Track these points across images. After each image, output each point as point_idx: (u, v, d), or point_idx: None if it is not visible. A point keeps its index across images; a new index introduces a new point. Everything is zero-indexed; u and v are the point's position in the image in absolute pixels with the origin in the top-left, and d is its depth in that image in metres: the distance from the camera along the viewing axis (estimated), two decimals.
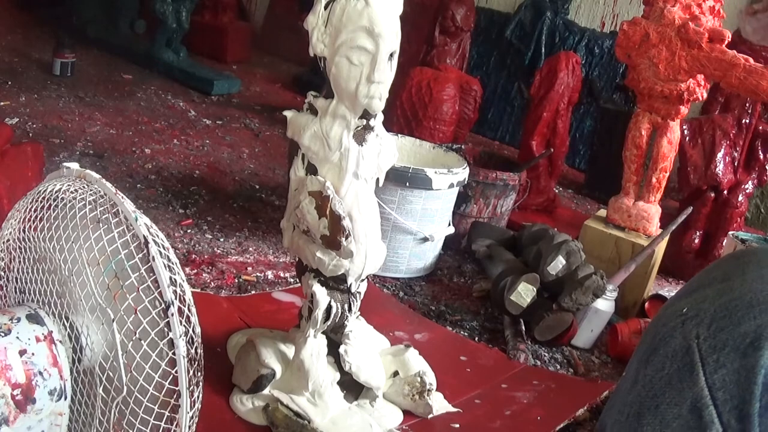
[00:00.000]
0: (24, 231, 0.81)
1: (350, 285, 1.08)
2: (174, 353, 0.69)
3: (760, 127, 2.09)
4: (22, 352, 0.71)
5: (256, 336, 1.19)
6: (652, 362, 0.44)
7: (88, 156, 2.08)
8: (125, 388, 0.70)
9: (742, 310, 0.41)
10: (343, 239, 1.02)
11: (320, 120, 1.02)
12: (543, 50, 3.22)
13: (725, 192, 2.08)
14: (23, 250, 0.82)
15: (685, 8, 1.64)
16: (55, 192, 0.79)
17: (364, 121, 1.02)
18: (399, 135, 1.98)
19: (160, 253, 0.70)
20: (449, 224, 1.81)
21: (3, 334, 0.71)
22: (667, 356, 0.43)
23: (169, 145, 2.33)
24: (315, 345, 1.09)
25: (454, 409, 1.21)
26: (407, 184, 1.65)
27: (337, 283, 1.08)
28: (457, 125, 2.42)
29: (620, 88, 2.92)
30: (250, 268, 1.61)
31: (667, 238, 1.80)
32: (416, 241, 1.72)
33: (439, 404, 1.20)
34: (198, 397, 0.72)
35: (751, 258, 0.45)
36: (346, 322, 1.11)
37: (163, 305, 0.69)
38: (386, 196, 1.65)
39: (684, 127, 2.01)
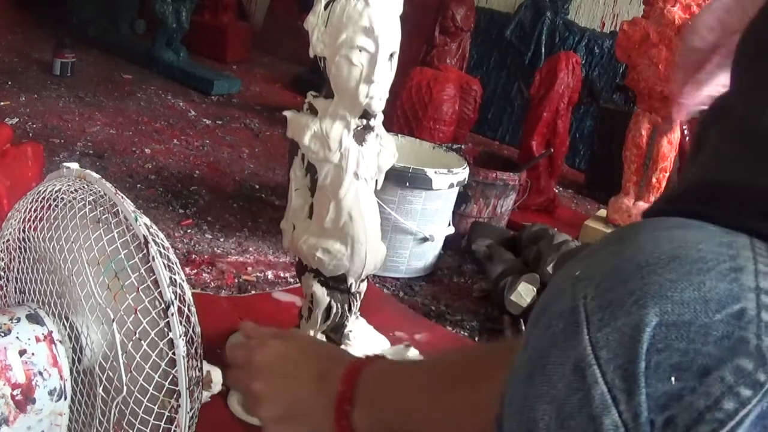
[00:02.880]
0: (24, 231, 0.81)
1: (350, 285, 1.08)
2: (174, 353, 0.69)
3: None
4: (22, 352, 0.71)
5: None
6: (540, 323, 0.43)
7: (88, 156, 2.08)
8: (125, 388, 0.70)
9: (631, 270, 0.40)
10: None
11: (320, 120, 1.02)
12: (543, 50, 3.22)
13: None
14: (23, 250, 0.82)
15: (685, 8, 1.64)
16: (55, 192, 0.79)
17: (364, 121, 1.02)
18: (399, 135, 1.98)
19: (160, 253, 0.70)
20: (449, 224, 1.81)
21: (3, 334, 0.71)
22: (553, 316, 0.42)
23: (169, 145, 2.33)
24: None
25: None
26: (407, 184, 1.65)
27: (337, 283, 1.08)
28: (457, 125, 2.42)
29: (620, 88, 2.92)
30: (250, 268, 1.61)
31: None
32: (416, 241, 1.72)
33: None
34: (198, 397, 0.72)
35: (646, 223, 0.44)
36: (346, 322, 1.11)
37: (163, 305, 0.69)
38: (386, 196, 1.65)
39: (684, 127, 2.01)
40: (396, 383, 0.70)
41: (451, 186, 1.71)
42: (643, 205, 1.77)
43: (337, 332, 1.13)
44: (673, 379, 0.37)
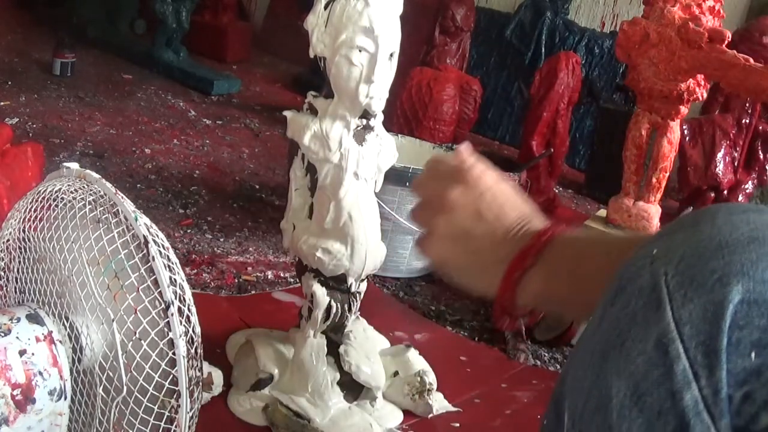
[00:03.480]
0: (24, 231, 0.81)
1: (350, 285, 1.08)
2: (174, 353, 0.69)
3: (760, 127, 2.09)
4: (21, 352, 0.71)
5: (255, 337, 1.19)
6: (618, 301, 0.43)
7: (88, 156, 2.08)
8: (125, 388, 0.70)
9: (711, 250, 0.41)
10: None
11: (320, 120, 1.02)
12: (543, 50, 3.22)
13: (725, 192, 2.08)
14: (23, 250, 0.82)
15: (685, 8, 1.64)
16: (55, 192, 0.79)
17: (364, 121, 1.02)
18: (399, 135, 1.98)
19: (160, 253, 0.71)
20: None
21: (3, 334, 0.71)
22: (633, 293, 0.42)
23: (169, 145, 2.33)
24: (315, 345, 1.09)
25: (454, 409, 1.21)
26: (407, 184, 1.65)
27: (337, 283, 1.08)
28: (457, 125, 2.42)
29: (620, 88, 2.92)
30: (250, 268, 1.61)
31: None
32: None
33: (439, 404, 1.20)
34: (198, 397, 0.72)
35: (720, 208, 0.45)
36: (346, 322, 1.11)
37: (163, 305, 0.69)
38: (386, 196, 1.64)
39: (684, 127, 2.01)
40: (582, 258, 0.66)
41: None
42: (643, 205, 1.76)
43: (337, 332, 1.13)
44: (753, 355, 0.38)
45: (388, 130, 1.10)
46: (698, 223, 0.44)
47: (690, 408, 0.38)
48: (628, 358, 0.41)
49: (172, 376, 0.69)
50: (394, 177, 1.61)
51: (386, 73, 0.98)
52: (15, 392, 0.69)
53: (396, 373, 1.21)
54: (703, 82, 1.68)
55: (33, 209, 0.80)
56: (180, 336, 0.69)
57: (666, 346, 0.39)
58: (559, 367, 1.48)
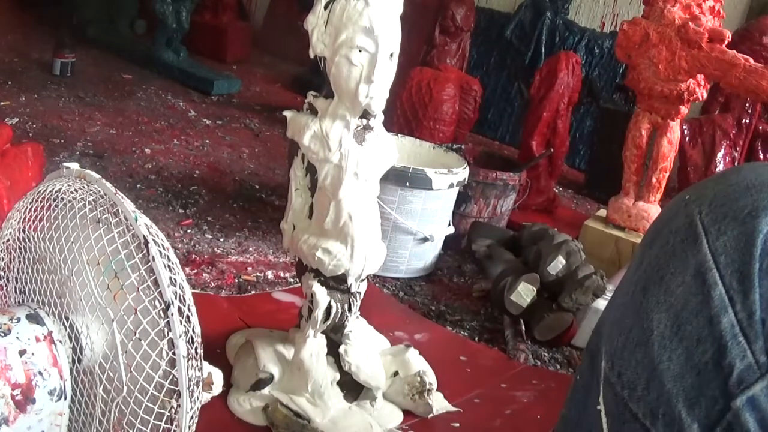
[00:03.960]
0: (24, 231, 0.81)
1: (350, 285, 1.08)
2: (174, 353, 0.69)
3: (760, 127, 2.09)
4: (21, 352, 0.71)
5: (255, 337, 1.19)
6: (657, 241, 0.47)
7: (88, 156, 2.08)
8: (125, 388, 0.70)
9: (740, 191, 0.44)
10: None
11: (320, 120, 1.02)
12: (543, 50, 3.22)
13: None
14: (23, 250, 0.82)
15: (685, 8, 1.64)
16: (55, 192, 0.79)
17: (364, 121, 1.02)
18: (399, 135, 1.98)
19: (160, 253, 0.71)
20: (449, 224, 1.81)
21: (3, 334, 0.71)
22: (671, 232, 0.46)
23: (169, 145, 2.33)
24: (315, 345, 1.09)
25: (454, 409, 1.21)
26: (407, 184, 1.65)
27: (337, 283, 1.08)
28: (457, 125, 2.42)
29: (620, 88, 2.92)
30: (250, 268, 1.61)
31: None
32: (416, 241, 1.72)
33: (439, 404, 1.20)
34: (198, 397, 0.72)
35: (744, 164, 0.50)
36: (346, 322, 1.11)
37: (163, 305, 0.69)
38: (386, 196, 1.65)
39: (684, 127, 2.01)
40: None
41: (451, 186, 1.71)
42: (643, 205, 1.76)
43: (337, 332, 1.13)
44: None
45: (388, 130, 1.10)
46: (725, 174, 0.48)
47: (727, 331, 0.41)
48: (668, 291, 0.44)
49: (172, 376, 0.69)
50: (394, 177, 1.62)
51: (386, 73, 0.98)
52: (15, 392, 0.69)
53: (396, 373, 1.21)
54: (703, 82, 1.69)
55: (33, 209, 0.80)
56: (180, 336, 0.69)
57: (703, 275, 0.42)
58: (559, 367, 1.48)
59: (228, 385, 1.13)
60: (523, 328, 1.54)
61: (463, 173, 1.73)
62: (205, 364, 0.94)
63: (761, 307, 0.41)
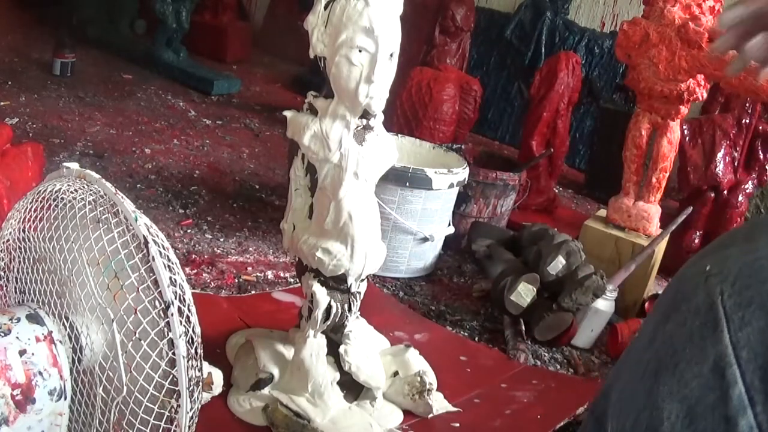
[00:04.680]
0: (24, 231, 0.81)
1: (350, 285, 1.08)
2: (174, 353, 0.69)
3: (760, 127, 2.09)
4: (21, 352, 0.71)
5: (255, 337, 1.19)
6: (673, 318, 0.42)
7: (88, 156, 2.08)
8: (125, 388, 0.70)
9: None
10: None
11: (320, 120, 1.02)
12: (543, 50, 3.22)
13: (725, 192, 2.08)
14: (23, 250, 0.82)
15: (685, 8, 1.64)
16: (55, 192, 0.79)
17: (364, 121, 1.02)
18: (399, 135, 1.98)
19: (160, 253, 0.70)
20: (449, 224, 1.81)
21: (3, 334, 0.71)
22: (689, 311, 0.41)
23: (169, 145, 2.33)
24: (315, 345, 1.09)
25: (454, 409, 1.21)
26: (407, 184, 1.65)
27: (337, 283, 1.08)
28: (457, 125, 2.42)
29: (620, 88, 2.92)
30: (250, 268, 1.61)
31: (667, 238, 1.80)
32: (416, 241, 1.72)
33: (439, 404, 1.20)
34: (198, 397, 0.72)
35: None
36: (346, 322, 1.11)
37: (163, 305, 0.69)
38: (386, 196, 1.65)
39: (684, 127, 2.00)
40: None
41: (451, 186, 1.71)
42: (643, 205, 1.76)
43: (337, 332, 1.13)
44: None
45: (388, 130, 1.10)
46: (753, 236, 0.42)
47: None
48: (682, 381, 0.40)
49: (172, 376, 0.69)
50: (394, 177, 1.62)
51: (386, 73, 0.98)
52: (15, 392, 0.69)
53: (396, 373, 1.21)
54: (703, 82, 1.68)
55: (33, 209, 0.80)
56: (180, 336, 0.69)
57: (723, 370, 0.38)
58: (559, 367, 1.48)
59: (228, 385, 1.13)
60: (523, 328, 1.54)
61: (463, 173, 1.73)
62: (205, 364, 0.94)
63: None
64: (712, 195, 2.07)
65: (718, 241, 0.44)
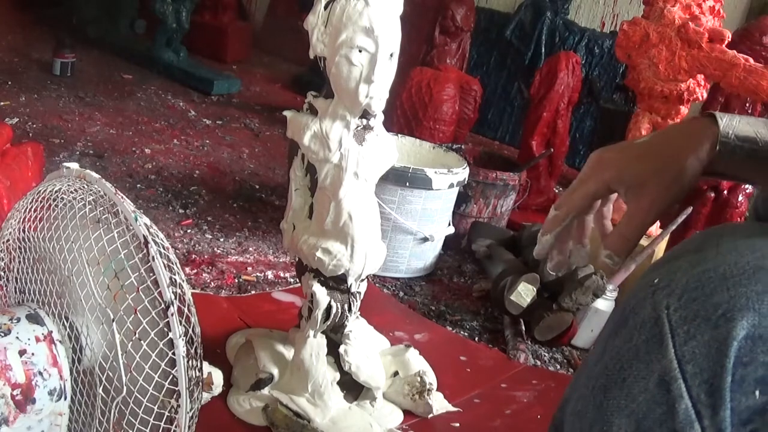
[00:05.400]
0: (24, 231, 0.81)
1: (350, 285, 1.08)
2: (174, 353, 0.69)
3: None
4: (21, 352, 0.71)
5: (255, 337, 1.19)
6: (621, 334, 0.42)
7: (88, 156, 2.08)
8: (125, 388, 0.70)
9: (715, 281, 0.39)
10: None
11: (320, 120, 1.02)
12: (543, 50, 3.22)
13: (725, 192, 2.08)
14: (23, 250, 0.82)
15: (685, 8, 1.64)
16: (55, 192, 0.79)
17: (364, 121, 1.02)
18: (399, 135, 1.98)
19: (160, 253, 0.70)
20: (449, 224, 1.81)
21: (3, 334, 0.71)
22: (635, 327, 0.41)
23: (169, 145, 2.33)
24: (315, 345, 1.09)
25: (454, 409, 1.21)
26: (407, 184, 1.65)
27: (337, 283, 1.08)
28: (457, 125, 2.42)
29: (620, 88, 2.92)
30: (250, 268, 1.61)
31: (667, 238, 1.80)
32: (416, 241, 1.72)
33: (439, 404, 1.20)
34: (198, 397, 0.72)
35: (725, 230, 0.43)
36: (346, 322, 1.11)
37: (163, 305, 0.69)
38: (386, 196, 1.65)
39: None
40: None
41: (451, 186, 1.71)
42: None
43: (337, 332, 1.13)
44: (757, 392, 0.36)
45: (388, 130, 1.09)
46: (702, 248, 0.42)
47: None
48: (629, 396, 0.40)
49: (172, 376, 0.69)
50: (394, 177, 1.62)
51: (386, 73, 0.98)
52: (15, 392, 0.69)
53: (396, 373, 1.21)
54: (703, 82, 1.68)
55: (33, 209, 0.80)
56: (180, 336, 0.69)
57: (668, 385, 0.38)
58: (559, 367, 1.48)
59: (228, 385, 1.13)
60: (523, 328, 1.54)
61: (463, 173, 1.73)
62: (205, 364, 0.94)
63: (732, 423, 0.36)
64: (712, 195, 2.07)
65: (671, 253, 0.44)
